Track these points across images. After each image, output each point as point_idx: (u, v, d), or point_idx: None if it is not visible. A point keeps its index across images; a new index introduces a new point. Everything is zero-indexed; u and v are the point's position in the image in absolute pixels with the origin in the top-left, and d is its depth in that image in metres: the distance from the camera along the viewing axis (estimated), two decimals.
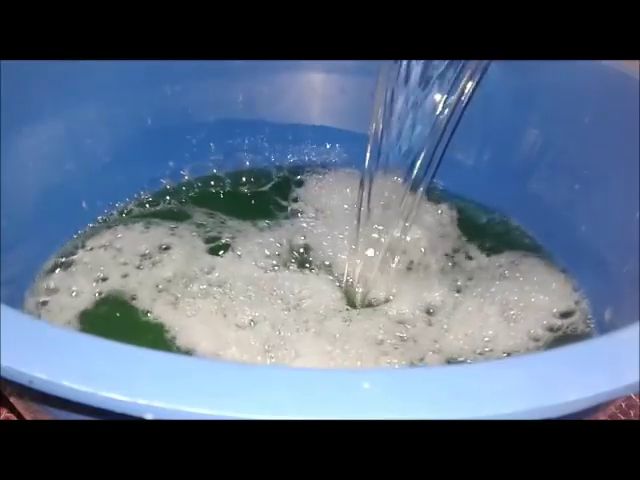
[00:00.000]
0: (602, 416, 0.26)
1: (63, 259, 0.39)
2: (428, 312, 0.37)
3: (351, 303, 0.37)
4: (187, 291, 0.37)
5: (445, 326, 0.36)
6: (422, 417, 0.16)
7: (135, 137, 0.44)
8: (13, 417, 0.34)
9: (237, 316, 0.36)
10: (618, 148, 0.36)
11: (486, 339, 0.35)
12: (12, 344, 0.18)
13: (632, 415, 0.35)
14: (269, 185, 0.47)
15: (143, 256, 0.39)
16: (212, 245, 0.41)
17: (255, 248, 0.40)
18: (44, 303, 0.36)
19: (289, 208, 0.45)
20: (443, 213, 0.44)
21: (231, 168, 0.47)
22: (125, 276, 0.38)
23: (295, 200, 0.45)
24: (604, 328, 0.35)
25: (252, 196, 0.46)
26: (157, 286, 0.38)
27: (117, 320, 0.36)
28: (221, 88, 0.46)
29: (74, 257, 0.39)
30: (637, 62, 0.34)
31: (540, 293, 0.37)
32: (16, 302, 0.36)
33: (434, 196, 0.45)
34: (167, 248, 0.40)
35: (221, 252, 0.40)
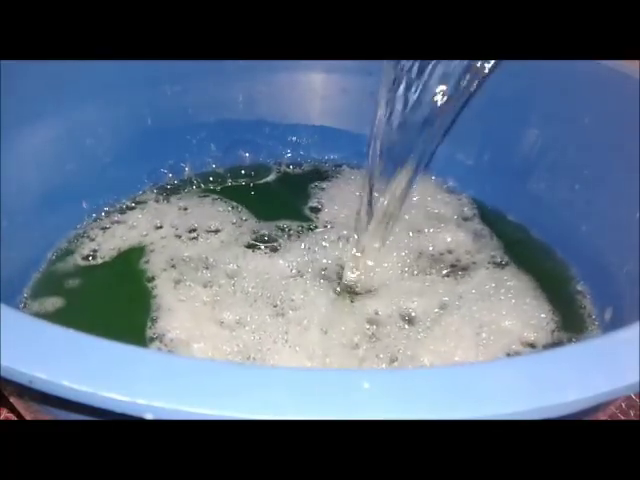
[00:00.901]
0: (602, 416, 0.26)
1: (132, 203, 0.44)
2: (405, 320, 0.36)
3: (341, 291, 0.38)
4: (195, 276, 0.38)
5: (419, 337, 0.35)
6: (422, 417, 0.16)
7: (135, 137, 0.44)
8: (13, 417, 0.34)
9: (224, 312, 0.36)
10: (618, 148, 0.36)
11: (456, 358, 0.34)
12: (12, 344, 0.18)
13: (632, 415, 0.35)
14: (270, 184, 0.47)
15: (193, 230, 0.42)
16: (253, 240, 0.41)
17: (288, 250, 0.40)
18: (105, 228, 0.41)
19: (301, 210, 0.44)
20: (444, 211, 0.44)
21: (231, 167, 0.47)
22: (165, 236, 0.41)
23: (300, 201, 0.45)
24: (604, 328, 0.35)
25: (274, 197, 0.46)
26: (171, 260, 0.39)
27: (130, 272, 0.39)
28: (221, 88, 0.46)
29: (147, 204, 0.44)
30: (637, 62, 0.34)
31: (515, 318, 0.36)
32: (15, 301, 0.36)
33: (437, 193, 0.45)
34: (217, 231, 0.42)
35: (257, 248, 0.41)
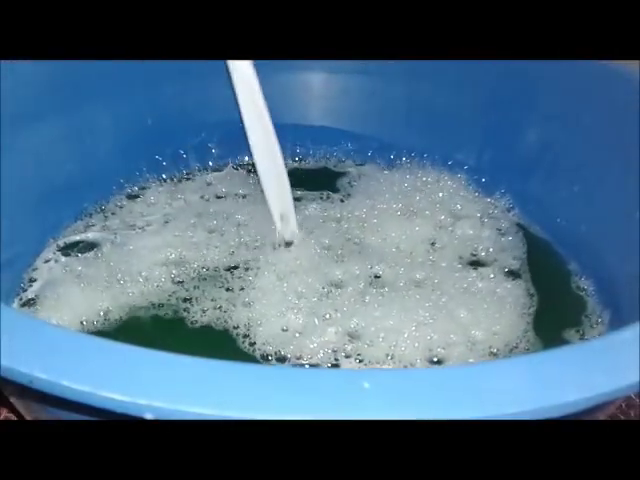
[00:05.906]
0: (602, 416, 0.26)
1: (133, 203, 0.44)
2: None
3: None
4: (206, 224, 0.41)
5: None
6: (422, 417, 0.16)
7: (135, 137, 0.44)
8: (13, 417, 0.34)
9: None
10: (618, 148, 0.36)
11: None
12: (12, 344, 0.18)
13: (632, 415, 0.35)
14: None
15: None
16: None
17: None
18: (121, 206, 0.43)
19: (314, 196, 0.45)
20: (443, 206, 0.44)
21: (231, 167, 0.47)
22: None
23: (311, 188, 0.45)
24: (604, 328, 0.35)
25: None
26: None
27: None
28: (221, 88, 0.46)
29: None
30: (637, 62, 0.34)
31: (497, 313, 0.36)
32: (11, 301, 0.36)
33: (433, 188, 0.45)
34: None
35: None
